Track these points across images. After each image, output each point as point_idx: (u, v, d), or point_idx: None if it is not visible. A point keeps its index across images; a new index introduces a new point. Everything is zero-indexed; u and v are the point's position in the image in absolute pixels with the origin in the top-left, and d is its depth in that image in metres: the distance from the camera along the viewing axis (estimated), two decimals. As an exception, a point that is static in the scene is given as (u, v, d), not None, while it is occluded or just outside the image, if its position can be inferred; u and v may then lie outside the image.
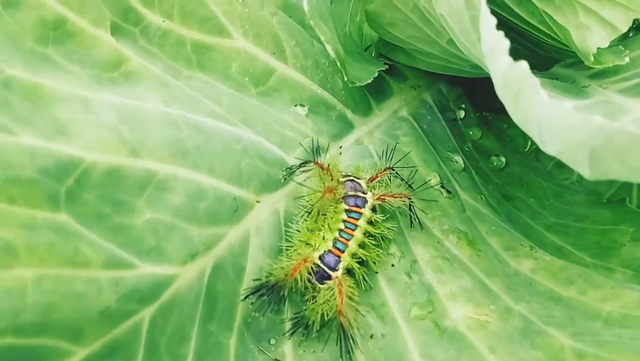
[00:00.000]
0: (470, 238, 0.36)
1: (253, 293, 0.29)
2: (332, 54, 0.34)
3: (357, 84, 0.35)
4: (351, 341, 0.29)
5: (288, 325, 0.31)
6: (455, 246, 0.35)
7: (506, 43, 0.22)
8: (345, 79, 0.35)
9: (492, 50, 0.24)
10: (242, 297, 0.29)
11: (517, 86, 0.23)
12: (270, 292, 0.29)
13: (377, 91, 0.42)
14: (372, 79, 0.37)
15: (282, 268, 0.29)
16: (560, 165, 0.50)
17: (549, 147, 0.24)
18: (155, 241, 0.27)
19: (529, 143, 0.51)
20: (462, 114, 0.48)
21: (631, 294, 0.32)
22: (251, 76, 0.35)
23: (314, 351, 0.31)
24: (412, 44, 0.38)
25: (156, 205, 0.27)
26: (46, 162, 0.23)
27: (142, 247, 0.26)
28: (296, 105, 0.36)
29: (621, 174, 0.22)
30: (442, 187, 0.38)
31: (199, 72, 0.34)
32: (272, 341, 0.31)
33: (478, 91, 0.52)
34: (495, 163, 0.47)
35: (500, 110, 0.53)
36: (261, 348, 0.31)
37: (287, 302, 0.31)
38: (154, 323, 0.26)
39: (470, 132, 0.47)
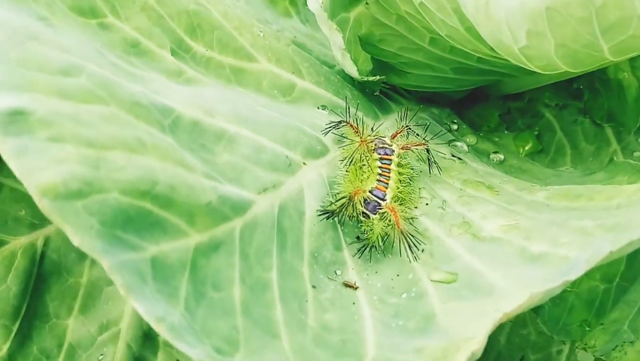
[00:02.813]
0: (487, 185, 0.45)
1: (322, 214, 0.37)
2: (340, 56, 0.46)
3: (368, 78, 0.47)
4: (414, 246, 0.37)
5: (350, 254, 0.38)
6: (475, 191, 0.44)
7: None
8: (357, 75, 0.47)
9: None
10: (317, 213, 0.37)
11: (484, -2, 0.35)
12: (334, 215, 0.38)
13: (379, 106, 0.53)
14: (377, 79, 0.49)
15: (342, 196, 0.38)
16: (554, 161, 0.61)
17: (520, 37, 0.35)
18: (234, 174, 0.36)
19: (521, 150, 0.62)
20: (455, 126, 0.59)
21: (631, 187, 0.41)
22: (279, 89, 0.47)
23: (376, 272, 0.38)
24: (401, 55, 0.51)
25: (230, 151, 0.37)
26: (154, 102, 0.33)
27: (225, 176, 0.35)
28: (318, 107, 0.48)
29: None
30: (453, 156, 0.48)
31: (238, 87, 0.45)
32: (338, 272, 0.38)
33: (467, 115, 0.65)
34: (495, 160, 0.57)
35: (489, 130, 0.65)
36: (329, 277, 0.38)
37: (344, 234, 0.39)
38: (243, 235, 0.34)
39: (467, 139, 0.58)
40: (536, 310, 0.57)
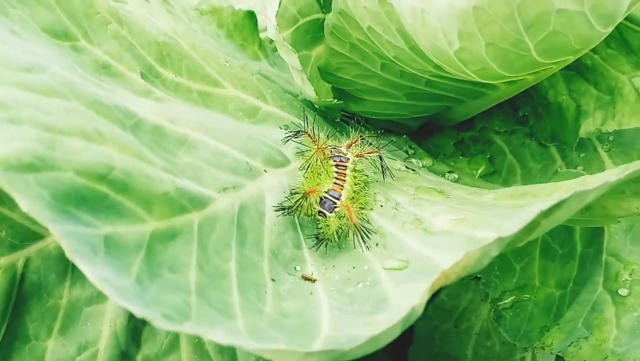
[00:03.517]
0: (439, 190, 0.45)
1: (278, 209, 0.36)
2: (299, 79, 0.47)
3: (325, 100, 0.47)
4: (366, 235, 0.36)
5: (309, 252, 0.37)
6: (428, 195, 0.44)
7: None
8: (314, 95, 0.47)
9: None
10: (274, 209, 0.36)
11: (420, 6, 0.36)
12: (290, 210, 0.37)
13: (341, 132, 0.54)
14: (335, 102, 0.49)
15: (297, 193, 0.37)
16: (506, 180, 0.61)
17: (453, 39, 0.36)
18: (194, 173, 0.35)
19: (475, 172, 0.62)
20: (412, 151, 0.59)
21: (569, 182, 0.41)
22: (244, 111, 0.47)
23: (334, 266, 0.37)
24: (357, 82, 0.52)
25: (191, 155, 0.36)
26: (116, 105, 0.33)
27: (185, 174, 0.34)
28: (281, 127, 0.47)
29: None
30: (407, 168, 0.48)
31: (205, 108, 0.45)
32: (298, 268, 0.37)
33: (424, 144, 0.65)
34: (449, 179, 0.57)
35: (445, 157, 0.65)
36: (289, 272, 0.36)
37: (304, 235, 0.38)
38: (202, 228, 0.33)
39: (423, 161, 0.58)
40: (498, 320, 0.55)
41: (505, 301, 0.56)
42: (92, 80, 0.36)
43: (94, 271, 0.23)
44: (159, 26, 0.46)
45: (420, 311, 0.25)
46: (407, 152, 0.58)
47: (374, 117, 0.57)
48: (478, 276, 0.59)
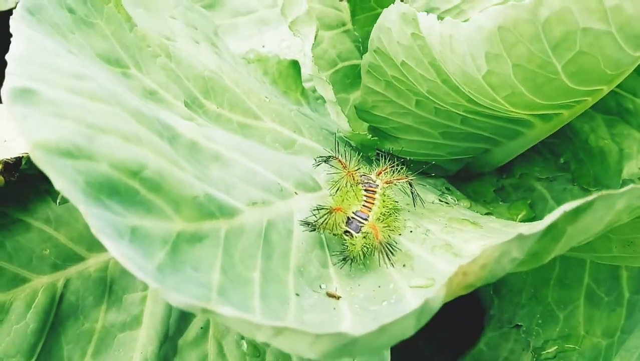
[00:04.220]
0: (472, 221, 0.44)
1: (304, 224, 0.37)
2: (334, 112, 0.48)
3: (359, 132, 0.48)
4: (391, 253, 0.36)
5: (335, 271, 0.37)
6: (460, 225, 0.43)
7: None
8: (347, 126, 0.48)
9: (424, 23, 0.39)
10: (299, 224, 0.36)
11: (448, 32, 0.37)
12: (314, 226, 0.37)
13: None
14: (370, 137, 0.50)
15: (324, 209, 0.38)
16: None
17: (481, 63, 0.36)
18: (225, 186, 0.36)
19: (515, 217, 0.61)
20: (449, 193, 0.59)
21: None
22: (280, 143, 0.49)
23: (359, 285, 0.36)
24: (392, 120, 0.53)
25: (224, 170, 0.38)
26: (157, 117, 0.35)
27: (217, 186, 0.35)
28: (315, 159, 0.49)
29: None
30: (441, 201, 0.48)
31: (243, 138, 0.47)
32: (323, 286, 0.37)
33: (463, 190, 0.64)
34: (487, 219, 0.56)
35: (484, 203, 0.65)
36: (314, 289, 0.36)
37: (331, 254, 0.38)
38: (229, 236, 0.34)
39: (461, 203, 0.58)
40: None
41: (548, 351, 0.52)
42: (138, 99, 0.39)
43: (118, 248, 0.24)
44: (205, 63, 0.49)
45: (434, 305, 0.24)
46: (442, 192, 0.58)
47: (410, 157, 0.57)
48: (519, 324, 0.56)
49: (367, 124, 0.55)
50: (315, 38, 0.46)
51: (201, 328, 0.51)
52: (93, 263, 0.50)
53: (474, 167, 0.64)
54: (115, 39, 0.42)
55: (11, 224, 0.47)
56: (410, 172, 0.43)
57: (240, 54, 0.66)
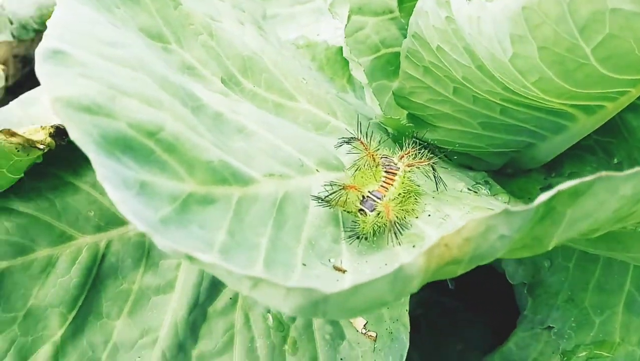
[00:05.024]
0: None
1: (316, 199, 0.38)
2: (368, 95, 0.48)
3: (396, 119, 0.48)
4: (400, 233, 0.36)
5: (346, 245, 0.38)
6: (483, 213, 0.42)
7: None
8: (379, 110, 0.48)
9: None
10: (311, 199, 0.37)
11: (476, 14, 0.37)
12: (326, 201, 0.38)
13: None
14: (404, 122, 0.50)
15: (338, 185, 0.38)
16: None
17: (507, 46, 0.36)
18: (244, 156, 0.38)
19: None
20: (489, 186, 0.57)
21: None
22: (313, 123, 0.50)
23: (366, 262, 0.37)
24: (430, 107, 0.53)
25: (246, 142, 0.39)
26: (184, 86, 0.37)
27: (235, 156, 0.37)
28: (338, 140, 0.49)
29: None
30: (469, 189, 0.47)
31: (276, 117, 0.49)
32: (332, 260, 0.37)
33: (508, 186, 0.63)
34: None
35: (529, 200, 0.63)
36: (322, 262, 0.37)
37: (344, 231, 0.39)
38: (241, 202, 0.35)
39: (499, 197, 0.56)
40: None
41: (579, 355, 0.50)
42: (171, 71, 0.41)
43: (121, 196, 0.26)
44: (246, 43, 0.51)
45: (409, 272, 0.24)
46: (482, 183, 0.57)
47: (450, 147, 0.57)
48: (551, 326, 0.54)
49: (406, 112, 0.55)
50: (348, 19, 0.46)
51: (230, 298, 0.53)
52: (133, 228, 0.53)
53: (520, 163, 0.62)
54: (159, 16, 0.44)
55: (61, 186, 0.51)
56: (433, 157, 0.43)
57: (290, 40, 0.68)
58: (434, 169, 0.43)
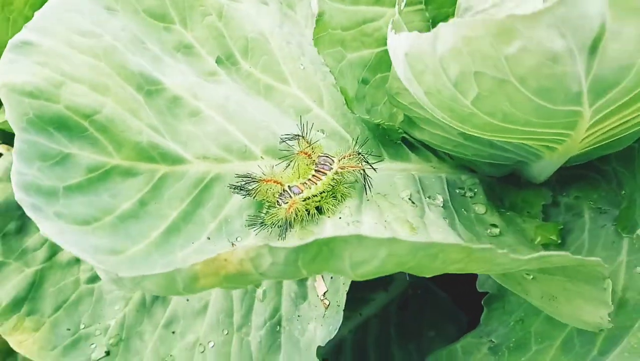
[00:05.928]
0: (414, 226, 0.45)
1: (232, 187, 0.43)
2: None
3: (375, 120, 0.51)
4: (289, 227, 0.41)
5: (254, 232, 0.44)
6: (397, 224, 0.45)
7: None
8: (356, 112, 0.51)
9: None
10: (230, 188, 0.43)
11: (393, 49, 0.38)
12: (248, 193, 0.43)
13: (390, 151, 0.56)
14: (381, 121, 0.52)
15: (255, 178, 0.44)
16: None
17: (408, 85, 0.37)
18: (185, 139, 0.44)
19: (540, 238, 0.57)
20: (470, 194, 0.57)
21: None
22: (295, 109, 0.54)
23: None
24: (413, 110, 0.54)
25: (195, 125, 0.46)
26: (143, 72, 0.44)
27: (175, 137, 0.44)
28: (317, 131, 0.53)
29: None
30: (411, 200, 0.49)
31: (263, 100, 0.54)
32: (239, 239, 0.44)
33: (511, 196, 0.62)
34: (489, 231, 0.54)
35: (529, 216, 0.62)
36: (229, 240, 0.43)
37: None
38: (164, 178, 0.42)
39: (475, 208, 0.56)
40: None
41: (504, 376, 0.52)
42: (152, 51, 0.48)
43: (23, 167, 0.34)
44: (256, 25, 0.56)
45: (183, 275, 0.30)
46: (462, 193, 0.57)
47: (439, 149, 0.57)
48: (493, 340, 0.55)
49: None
50: None
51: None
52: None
53: (525, 176, 0.61)
54: (167, -2, 0.51)
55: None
56: (367, 163, 0.46)
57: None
58: (364, 174, 0.45)
